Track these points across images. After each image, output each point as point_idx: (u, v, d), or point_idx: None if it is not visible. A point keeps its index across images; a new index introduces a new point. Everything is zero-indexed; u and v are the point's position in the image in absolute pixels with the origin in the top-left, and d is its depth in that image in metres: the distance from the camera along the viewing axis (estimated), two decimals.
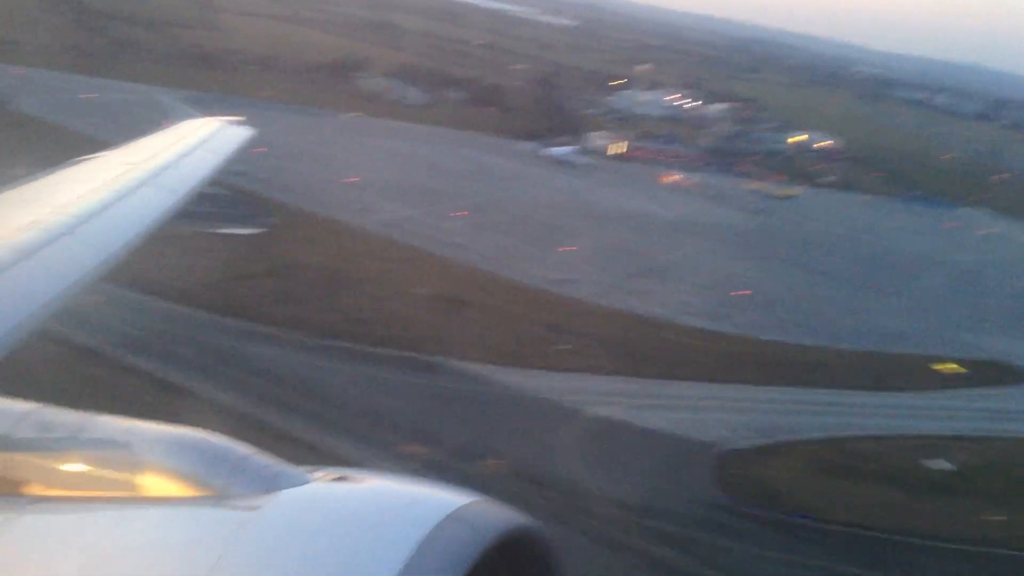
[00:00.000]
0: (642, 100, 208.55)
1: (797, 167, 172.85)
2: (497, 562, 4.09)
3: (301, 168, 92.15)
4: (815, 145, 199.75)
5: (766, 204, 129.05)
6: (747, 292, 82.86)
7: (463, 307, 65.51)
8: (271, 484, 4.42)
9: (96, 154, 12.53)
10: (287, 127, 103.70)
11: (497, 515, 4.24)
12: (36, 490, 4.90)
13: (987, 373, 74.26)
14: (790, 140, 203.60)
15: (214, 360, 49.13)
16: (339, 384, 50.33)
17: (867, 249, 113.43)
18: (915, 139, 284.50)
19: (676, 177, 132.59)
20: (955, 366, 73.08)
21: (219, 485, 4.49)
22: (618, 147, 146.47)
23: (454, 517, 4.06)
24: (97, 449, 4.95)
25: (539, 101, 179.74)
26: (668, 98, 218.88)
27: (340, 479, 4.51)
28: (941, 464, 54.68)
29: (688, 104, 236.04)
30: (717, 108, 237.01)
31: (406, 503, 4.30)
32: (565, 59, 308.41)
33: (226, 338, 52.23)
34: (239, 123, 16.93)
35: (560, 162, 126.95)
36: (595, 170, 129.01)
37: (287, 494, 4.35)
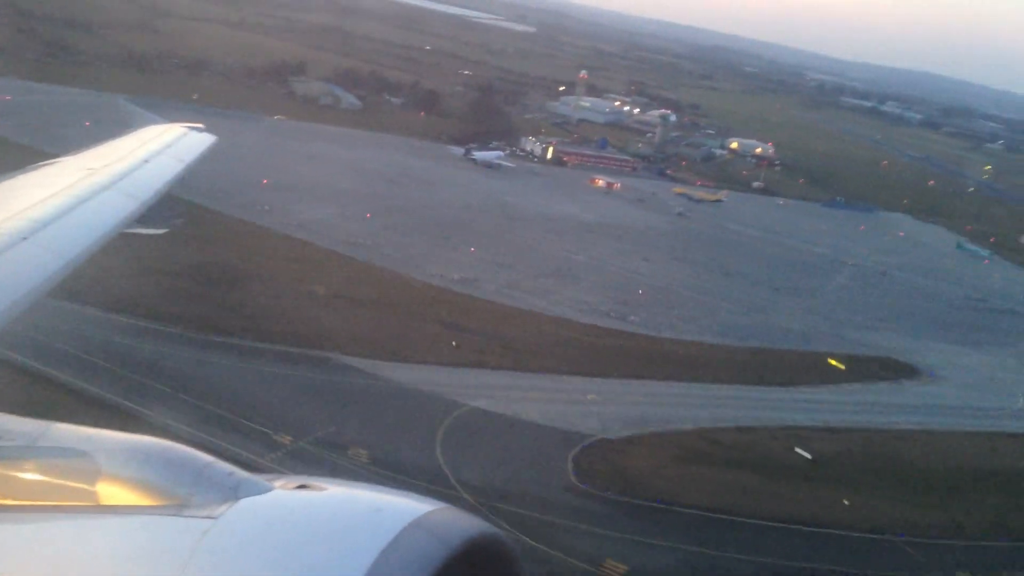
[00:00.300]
0: (583, 106, 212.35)
1: (730, 172, 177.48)
2: (460, 570, 4.10)
3: (216, 169, 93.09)
4: (752, 151, 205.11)
5: (689, 207, 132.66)
6: (642, 292, 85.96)
7: (359, 305, 67.43)
8: (233, 493, 4.40)
9: (57, 159, 12.59)
10: (208, 130, 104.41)
11: (460, 523, 4.23)
12: None
13: (869, 368, 77.99)
14: (729, 145, 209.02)
15: (94, 354, 50.43)
16: (221, 378, 51.86)
17: (777, 251, 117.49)
18: (855, 145, 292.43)
19: (602, 181, 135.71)
20: (835, 362, 76.72)
21: (180, 494, 4.46)
22: (550, 151, 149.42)
23: (416, 525, 4.05)
24: (56, 458, 4.87)
25: (478, 106, 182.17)
26: (610, 104, 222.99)
27: (302, 487, 4.50)
28: (801, 453, 57.83)
29: (631, 110, 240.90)
30: (660, 114, 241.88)
31: (368, 511, 4.25)
32: (516, 65, 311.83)
33: (110, 333, 53.51)
34: (201, 130, 17.13)
35: (487, 165, 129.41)
36: (521, 174, 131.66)
37: (249, 503, 4.34)
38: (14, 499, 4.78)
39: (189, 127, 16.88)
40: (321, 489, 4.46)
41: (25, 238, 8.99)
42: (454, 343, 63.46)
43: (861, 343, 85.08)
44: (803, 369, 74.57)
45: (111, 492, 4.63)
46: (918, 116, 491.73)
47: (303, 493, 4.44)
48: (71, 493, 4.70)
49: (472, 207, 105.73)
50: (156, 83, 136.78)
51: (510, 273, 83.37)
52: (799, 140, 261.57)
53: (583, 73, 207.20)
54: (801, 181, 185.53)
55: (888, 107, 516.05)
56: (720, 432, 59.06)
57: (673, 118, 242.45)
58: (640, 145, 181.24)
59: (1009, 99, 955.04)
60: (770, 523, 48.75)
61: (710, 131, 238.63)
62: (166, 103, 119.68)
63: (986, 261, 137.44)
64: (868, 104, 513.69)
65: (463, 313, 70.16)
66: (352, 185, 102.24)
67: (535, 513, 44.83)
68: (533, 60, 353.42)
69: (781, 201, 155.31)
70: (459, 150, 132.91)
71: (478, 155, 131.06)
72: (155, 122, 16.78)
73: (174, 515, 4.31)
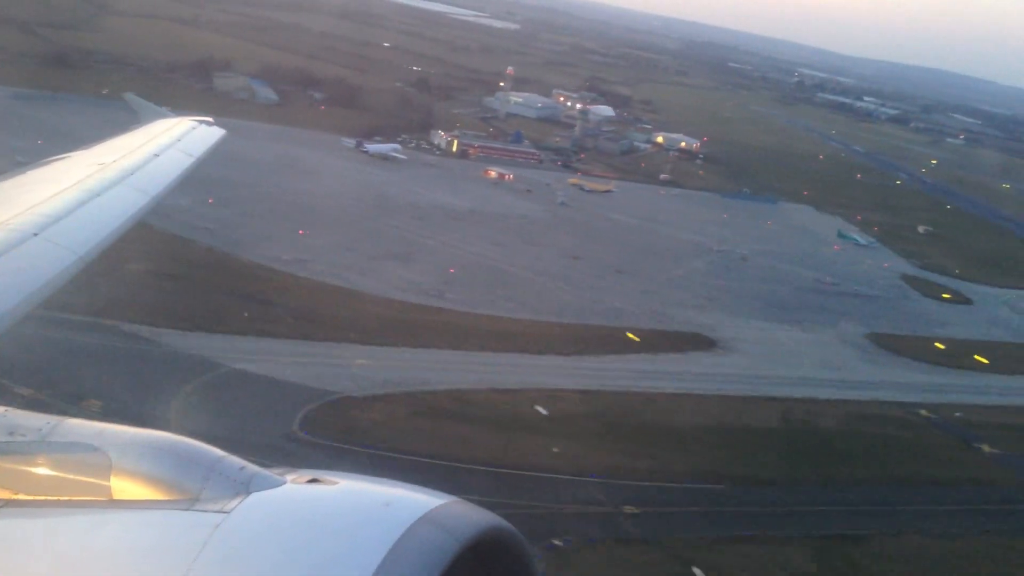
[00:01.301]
0: (517, 101, 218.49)
1: (646, 166, 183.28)
2: (471, 563, 4.16)
3: None
4: (677, 145, 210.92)
5: (575, 197, 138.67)
6: (475, 273, 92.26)
7: (174, 281, 73.76)
8: (244, 487, 4.42)
9: (67, 154, 12.68)
10: (104, 122, 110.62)
11: (471, 516, 4.26)
12: (5, 494, 4.80)
13: (668, 341, 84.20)
14: (655, 140, 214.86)
15: None
16: None
17: (646, 238, 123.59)
18: (802, 140, 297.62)
19: (494, 172, 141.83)
20: (632, 335, 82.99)
21: (192, 488, 4.45)
22: (455, 145, 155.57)
23: (427, 519, 4.07)
24: (68, 453, 4.85)
25: (404, 101, 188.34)
26: (543, 99, 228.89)
27: (313, 481, 4.53)
28: (540, 410, 64.18)
29: (573, 105, 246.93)
30: (599, 109, 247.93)
31: (379, 505, 4.27)
32: (475, 62, 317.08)
33: None
34: (210, 123, 17.41)
35: (381, 157, 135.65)
36: (414, 166, 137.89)
37: (260, 497, 4.37)
38: (27, 494, 4.76)
39: (199, 121, 17.16)
40: (332, 483, 4.51)
41: (36, 234, 8.97)
42: (245, 314, 69.84)
43: (679, 320, 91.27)
44: (599, 341, 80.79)
45: (123, 487, 4.62)
46: (893, 111, 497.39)
47: (314, 487, 4.49)
48: (83, 488, 4.69)
49: (344, 196, 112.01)
50: (73, 79, 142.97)
51: (348, 255, 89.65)
52: (743, 135, 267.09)
53: (510, 69, 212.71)
54: (717, 174, 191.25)
55: (866, 103, 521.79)
56: (473, 393, 65.42)
57: (611, 113, 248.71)
58: (558, 139, 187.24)
59: (1016, 94, 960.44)
60: (475, 466, 55.05)
61: (647, 125, 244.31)
62: (79, 98, 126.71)
63: (855, 249, 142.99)
64: (845, 100, 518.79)
65: (276, 290, 76.52)
66: (226, 174, 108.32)
67: (248, 457, 51.08)
68: (497, 57, 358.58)
69: (677, 191, 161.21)
70: (351, 142, 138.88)
71: (371, 148, 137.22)
72: (163, 116, 17.28)
73: (186, 509, 4.32)
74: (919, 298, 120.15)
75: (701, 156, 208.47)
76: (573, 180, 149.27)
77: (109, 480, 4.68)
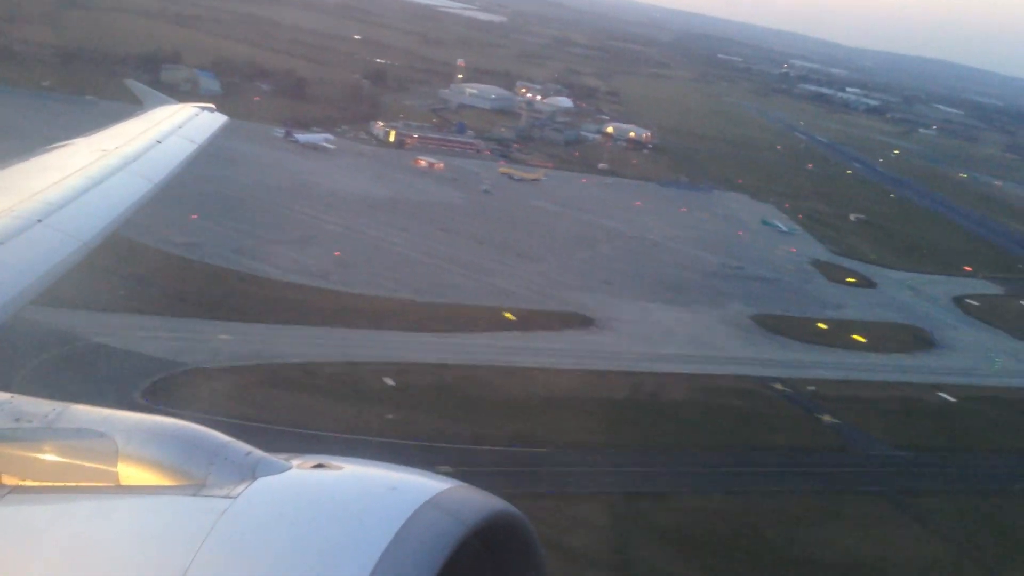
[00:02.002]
0: (472, 92, 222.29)
1: (588, 156, 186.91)
2: (476, 548, 4.21)
3: (12, 148, 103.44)
4: (627, 135, 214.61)
5: (502, 185, 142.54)
6: (368, 256, 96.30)
7: None
8: (250, 472, 4.47)
9: (70, 141, 12.73)
10: (35, 114, 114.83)
11: (476, 501, 4.31)
12: (12, 480, 4.82)
13: (544, 320, 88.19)
14: (604, 130, 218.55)
15: None
16: None
17: (562, 223, 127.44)
18: (765, 131, 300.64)
19: (424, 161, 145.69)
20: (509, 315, 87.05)
21: (199, 474, 4.49)
22: (392, 135, 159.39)
23: (432, 504, 4.11)
24: (74, 439, 4.87)
25: (353, 93, 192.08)
26: (497, 91, 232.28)
27: (319, 466, 4.58)
28: (388, 381, 68.29)
29: (533, 96, 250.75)
30: (557, 100, 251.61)
31: (385, 490, 4.30)
32: (443, 55, 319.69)
33: None
34: (212, 110, 17.62)
35: (311, 147, 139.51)
36: (344, 155, 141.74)
37: (266, 482, 4.41)
38: (34, 480, 4.80)
39: (201, 107, 17.43)
40: (338, 468, 4.59)
41: (40, 220, 8.97)
42: (121, 293, 73.83)
43: (565, 301, 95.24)
44: (474, 320, 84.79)
45: (130, 472, 4.66)
46: (874, 102, 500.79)
47: (320, 472, 4.57)
48: (90, 474, 4.72)
49: (262, 184, 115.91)
50: (12, 72, 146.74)
51: (245, 240, 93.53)
52: (705, 126, 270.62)
53: (461, 61, 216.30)
54: (662, 163, 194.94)
55: (848, 93, 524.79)
56: (326, 366, 69.45)
57: (569, 104, 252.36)
58: (503, 129, 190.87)
59: (1017, 85, 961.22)
60: (301, 430, 59.08)
61: (604, 116, 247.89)
62: (13, 91, 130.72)
63: (775, 235, 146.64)
64: (826, 91, 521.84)
65: (156, 270, 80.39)
66: None
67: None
68: (470, 50, 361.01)
69: (611, 180, 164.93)
70: (280, 132, 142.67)
71: (301, 137, 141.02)
72: (167, 103, 17.47)
73: (193, 495, 4.39)
74: (823, 282, 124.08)
75: (650, 146, 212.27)
76: (504, 169, 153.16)
77: (116, 466, 4.68)
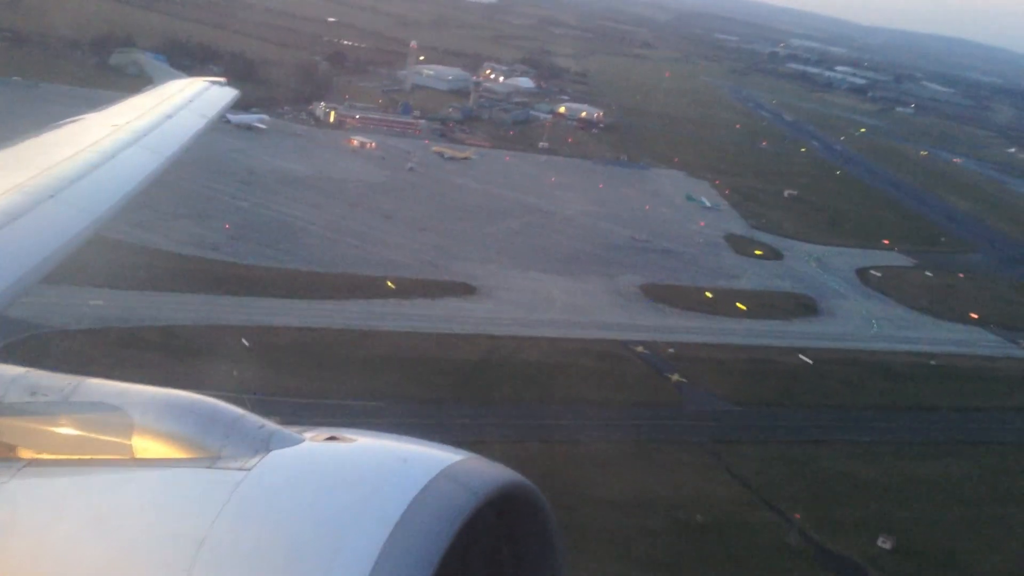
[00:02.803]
0: (428, 74, 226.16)
1: (533, 135, 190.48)
2: (489, 519, 4.25)
3: None
4: (578, 115, 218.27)
5: (432, 164, 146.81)
6: (263, 230, 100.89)
7: None
8: (264, 445, 4.50)
9: (80, 116, 12.91)
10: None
11: (489, 472, 4.33)
12: (28, 454, 4.89)
13: (426, 289, 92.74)
14: (556, 110, 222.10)
15: None
16: None
17: (476, 199, 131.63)
18: (731, 111, 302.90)
19: (356, 141, 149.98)
20: (391, 284, 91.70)
21: (213, 447, 4.54)
22: (332, 115, 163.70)
23: (445, 475, 4.14)
24: (89, 412, 4.94)
25: (304, 74, 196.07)
26: (454, 71, 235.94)
27: (332, 439, 4.62)
28: (244, 342, 73.13)
29: (496, 77, 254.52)
30: (517, 82, 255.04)
31: (398, 461, 4.34)
32: (415, 36, 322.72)
33: None
34: (223, 84, 17.74)
35: (244, 127, 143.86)
36: (276, 135, 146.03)
37: (280, 454, 4.45)
38: (51, 453, 4.88)
39: (212, 81, 17.48)
40: (350, 440, 4.61)
41: (52, 196, 9.09)
42: None
43: (453, 272, 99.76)
44: (354, 288, 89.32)
45: (145, 446, 4.72)
46: (861, 81, 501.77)
47: (333, 444, 4.60)
48: (106, 447, 4.78)
49: (184, 162, 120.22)
50: None
51: (145, 213, 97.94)
52: (669, 106, 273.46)
53: (413, 43, 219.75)
54: (609, 143, 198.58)
55: (836, 72, 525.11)
56: (186, 329, 74.10)
57: (530, 85, 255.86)
58: (451, 110, 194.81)
59: None
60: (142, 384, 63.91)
61: (565, 97, 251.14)
62: None
63: (698, 210, 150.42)
64: (813, 70, 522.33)
65: None
66: None
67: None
68: (447, 32, 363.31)
69: (545, 158, 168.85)
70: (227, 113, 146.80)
71: (233, 118, 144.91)
72: (177, 77, 17.68)
73: (208, 467, 4.45)
74: (729, 255, 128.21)
75: (601, 126, 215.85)
76: (437, 148, 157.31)
77: (131, 439, 4.74)
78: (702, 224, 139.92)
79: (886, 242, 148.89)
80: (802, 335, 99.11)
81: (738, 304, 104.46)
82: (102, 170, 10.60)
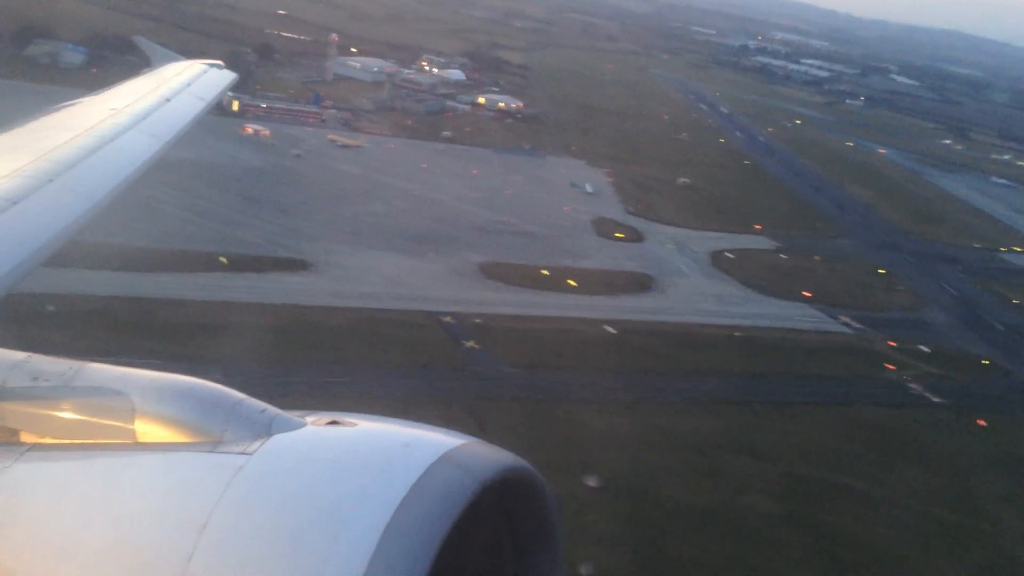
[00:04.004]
0: (353, 66, 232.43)
1: (441, 125, 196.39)
2: (491, 503, 4.35)
3: None
4: (497, 106, 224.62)
5: (321, 151, 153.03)
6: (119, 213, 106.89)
7: None
8: (265, 429, 4.61)
9: (78, 100, 13.16)
10: None
11: (490, 457, 4.42)
12: (30, 439, 5.01)
13: (264, 265, 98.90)
14: (478, 101, 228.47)
15: None
16: None
17: (350, 185, 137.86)
18: (667, 103, 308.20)
19: (251, 129, 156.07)
20: (224, 259, 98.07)
21: (214, 431, 4.66)
22: (235, 105, 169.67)
23: (446, 459, 4.23)
24: (91, 397, 5.06)
25: (228, 65, 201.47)
26: (379, 63, 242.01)
27: (333, 423, 4.76)
28: (50, 308, 79.48)
29: (429, 68, 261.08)
30: (448, 74, 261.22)
31: (399, 446, 4.43)
32: (358, 30, 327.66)
33: None
34: (221, 67, 17.99)
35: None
36: None
37: (281, 438, 4.55)
38: (53, 438, 5.00)
39: (209, 64, 17.69)
40: (352, 424, 4.76)
41: (51, 180, 9.25)
42: None
43: (295, 250, 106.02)
44: (183, 263, 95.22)
45: (146, 430, 4.87)
46: (824, 74, 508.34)
47: (334, 429, 4.73)
48: (108, 431, 4.92)
49: None
50: None
51: None
52: (602, 97, 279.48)
53: (333, 36, 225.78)
54: (520, 133, 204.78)
55: (801, 65, 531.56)
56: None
57: (461, 77, 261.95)
58: (364, 100, 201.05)
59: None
60: None
61: (495, 89, 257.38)
62: None
63: (579, 196, 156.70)
64: (776, 63, 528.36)
65: None
66: None
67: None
68: (400, 25, 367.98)
69: (443, 147, 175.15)
70: None
71: None
72: (175, 60, 17.76)
73: (209, 452, 4.56)
74: (591, 237, 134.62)
75: (518, 116, 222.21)
76: (332, 136, 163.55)
77: (133, 424, 4.84)
78: (567, 209, 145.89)
79: (758, 227, 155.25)
80: (620, 309, 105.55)
81: (569, 281, 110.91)
82: (101, 154, 10.81)
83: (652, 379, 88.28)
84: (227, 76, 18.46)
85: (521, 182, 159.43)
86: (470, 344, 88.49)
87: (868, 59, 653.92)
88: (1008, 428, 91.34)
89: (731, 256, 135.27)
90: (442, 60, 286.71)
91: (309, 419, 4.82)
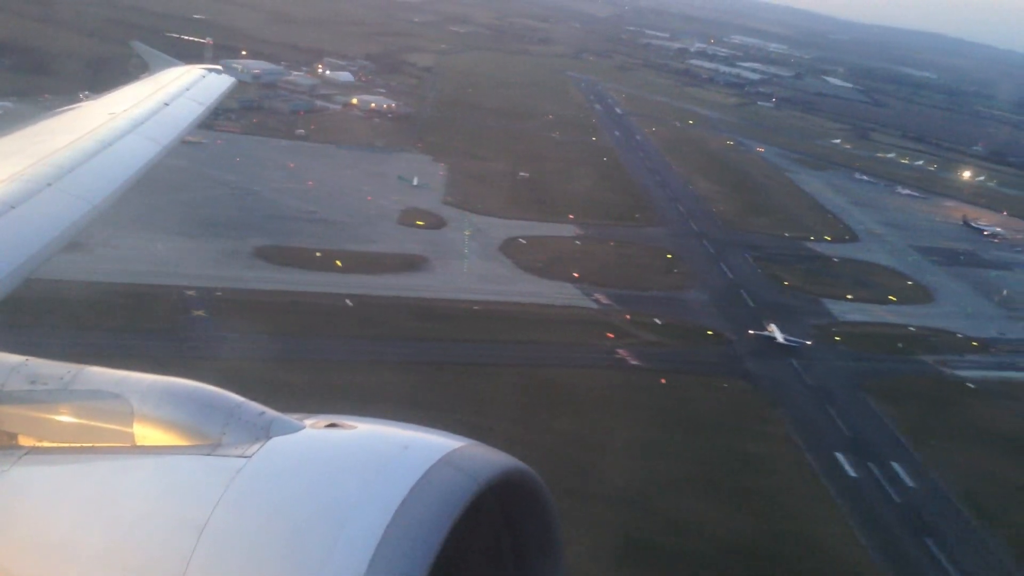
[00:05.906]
0: (236, 67, 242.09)
1: (299, 123, 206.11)
2: (489, 505, 4.47)
3: None
4: (370, 106, 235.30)
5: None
6: None
7: None
8: (264, 432, 4.75)
9: (77, 104, 13.93)
10: None
11: (489, 459, 4.55)
12: (29, 442, 5.08)
13: None
14: (351, 101, 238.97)
15: None
16: None
17: (171, 177, 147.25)
18: (558, 103, 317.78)
19: None
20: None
21: (213, 434, 4.78)
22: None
23: (446, 461, 4.33)
24: (90, 400, 5.19)
25: (100, 67, 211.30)
26: (261, 65, 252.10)
27: (332, 426, 4.90)
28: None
29: (323, 71, 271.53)
30: (337, 75, 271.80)
31: (398, 448, 4.52)
32: (273, 34, 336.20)
33: None
34: (219, 71, 18.59)
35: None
36: (30, 118, 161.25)
37: (280, 441, 4.70)
38: (51, 441, 5.10)
39: (208, 69, 18.05)
40: (351, 427, 4.89)
41: (50, 184, 9.53)
42: None
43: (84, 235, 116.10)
44: None
45: (145, 433, 5.00)
46: (756, 77, 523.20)
47: (333, 431, 4.88)
48: (106, 434, 5.05)
49: None
50: None
51: None
52: (492, 98, 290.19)
53: (208, 39, 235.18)
54: (386, 132, 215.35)
55: (739, 68, 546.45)
56: None
57: (350, 79, 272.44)
58: (230, 99, 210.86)
59: (1013, 59, 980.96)
60: None
61: (381, 90, 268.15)
62: None
63: (405, 188, 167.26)
64: (709, 66, 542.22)
65: None
66: None
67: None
68: (320, 28, 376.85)
69: (287, 144, 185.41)
70: None
71: None
72: (172, 65, 18.15)
73: (208, 454, 4.71)
74: (391, 225, 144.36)
75: (390, 116, 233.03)
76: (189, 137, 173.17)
77: (131, 427, 4.97)
78: (382, 199, 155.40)
79: (571, 217, 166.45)
80: (372, 286, 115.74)
81: (336, 262, 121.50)
82: (100, 158, 10.88)
83: (361, 343, 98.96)
84: (226, 81, 18.99)
85: (351, 175, 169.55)
86: (198, 313, 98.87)
87: (820, 62, 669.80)
88: (684, 385, 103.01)
89: (523, 242, 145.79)
90: (342, 63, 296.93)
91: (308, 421, 5.04)
